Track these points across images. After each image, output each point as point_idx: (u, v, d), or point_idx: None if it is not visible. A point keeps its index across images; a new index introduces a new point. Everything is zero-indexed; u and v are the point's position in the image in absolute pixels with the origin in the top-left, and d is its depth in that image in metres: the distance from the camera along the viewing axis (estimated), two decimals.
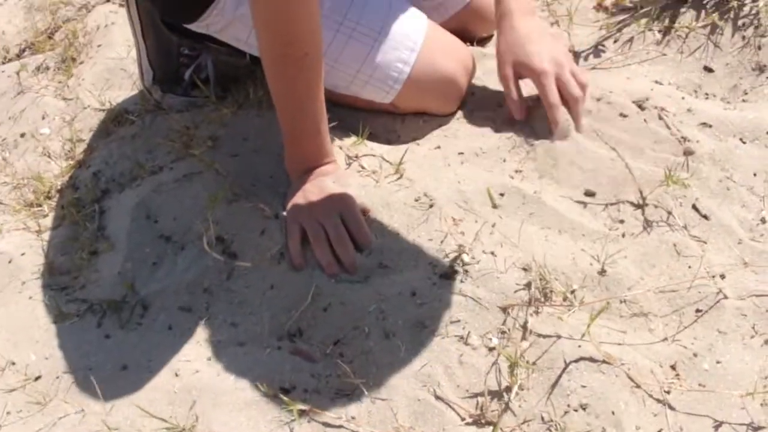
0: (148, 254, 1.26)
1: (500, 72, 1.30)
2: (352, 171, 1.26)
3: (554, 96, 1.25)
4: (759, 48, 1.43)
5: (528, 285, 1.07)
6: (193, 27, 1.39)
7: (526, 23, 1.30)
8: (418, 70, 1.32)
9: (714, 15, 1.46)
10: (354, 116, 1.38)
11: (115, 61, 1.76)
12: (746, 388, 1.01)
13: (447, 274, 1.09)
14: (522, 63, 1.28)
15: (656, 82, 1.40)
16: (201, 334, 1.15)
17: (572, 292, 1.07)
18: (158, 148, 1.44)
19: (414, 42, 1.32)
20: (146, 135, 1.49)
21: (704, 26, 1.47)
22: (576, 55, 1.47)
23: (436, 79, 1.33)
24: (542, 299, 1.06)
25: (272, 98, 1.19)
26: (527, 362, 1.00)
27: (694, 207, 1.19)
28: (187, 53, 1.53)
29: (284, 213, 1.21)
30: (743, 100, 1.40)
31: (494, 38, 1.31)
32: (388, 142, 1.35)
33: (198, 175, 1.33)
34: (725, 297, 1.09)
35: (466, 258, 1.09)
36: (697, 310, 1.09)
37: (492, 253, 1.11)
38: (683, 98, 1.34)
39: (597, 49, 1.48)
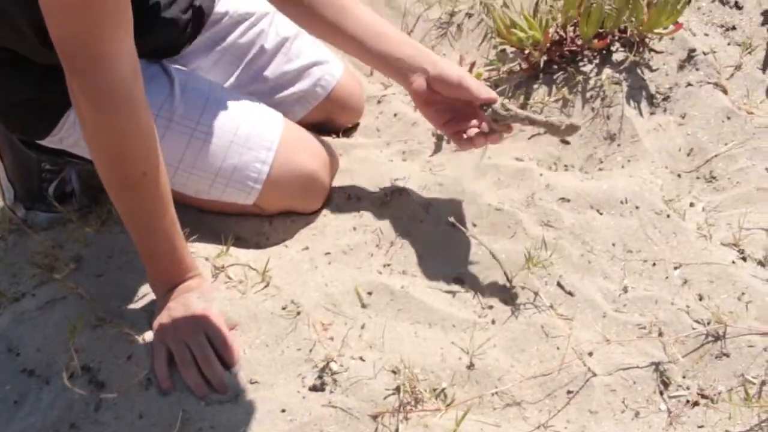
0: (9, 392, 1.19)
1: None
2: (219, 283, 1.23)
3: None
4: (608, 118, 1.49)
5: (397, 389, 1.06)
6: (47, 143, 1.35)
7: None
8: (277, 169, 1.32)
9: (564, 89, 1.52)
10: (221, 221, 1.36)
11: None
12: None
13: (316, 386, 1.07)
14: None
15: (517, 159, 1.44)
16: None
17: (442, 391, 1.07)
18: (21, 272, 1.38)
19: (270, 141, 1.32)
20: (9, 258, 1.43)
21: (556, 100, 1.53)
22: (439, 138, 1.50)
23: (297, 176, 1.33)
24: (412, 402, 1.05)
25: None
26: None
27: (558, 284, 1.22)
28: (49, 168, 1.49)
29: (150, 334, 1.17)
30: (600, 169, 1.45)
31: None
32: (257, 245, 1.34)
33: (61, 300, 1.28)
34: (594, 375, 1.11)
35: (334, 366, 1.08)
36: (569, 392, 1.10)
37: (361, 358, 1.09)
38: (541, 174, 1.37)
39: None
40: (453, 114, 1.29)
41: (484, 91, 1.26)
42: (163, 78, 1.33)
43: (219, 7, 1.46)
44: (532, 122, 1.26)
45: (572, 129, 1.27)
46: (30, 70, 1.26)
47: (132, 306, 1.25)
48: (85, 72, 1.04)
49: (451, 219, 1.27)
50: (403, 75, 1.29)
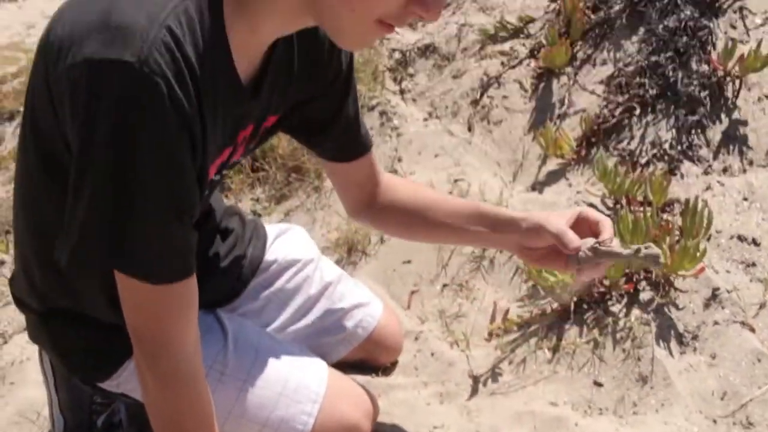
0: None
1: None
2: None
3: None
4: (639, 359, 1.54)
5: None
6: (104, 386, 1.42)
7: None
8: (322, 420, 1.36)
9: (594, 331, 1.59)
10: None
11: (28, 401, 1.75)
12: None
13: None
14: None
15: (552, 403, 1.48)
16: None
17: None
18: None
19: (316, 394, 1.38)
20: None
21: (588, 341, 1.58)
22: (475, 380, 1.55)
23: (339, 426, 1.37)
24: None
25: None
26: None
27: None
28: (100, 401, 1.55)
29: None
30: (634, 413, 1.48)
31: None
32: None
33: None
34: None
35: None
36: None
37: None
38: (576, 424, 1.41)
39: (494, 373, 1.56)
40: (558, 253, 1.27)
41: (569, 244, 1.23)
42: (218, 330, 1.41)
43: (269, 255, 1.58)
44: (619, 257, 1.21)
45: (655, 260, 1.21)
46: (93, 322, 1.35)
47: None
48: (153, 354, 1.12)
49: None
50: (509, 245, 1.33)
